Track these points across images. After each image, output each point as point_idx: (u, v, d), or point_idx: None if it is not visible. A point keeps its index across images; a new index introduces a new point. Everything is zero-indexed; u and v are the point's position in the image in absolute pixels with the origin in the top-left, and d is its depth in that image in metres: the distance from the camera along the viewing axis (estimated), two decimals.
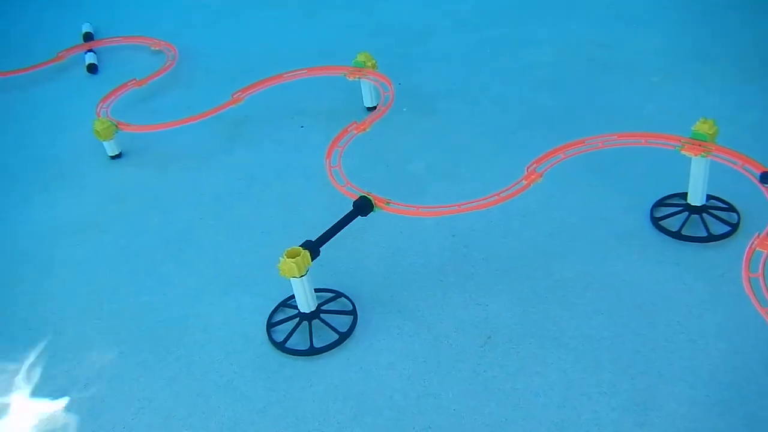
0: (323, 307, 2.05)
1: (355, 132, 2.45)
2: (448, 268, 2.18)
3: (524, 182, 2.11)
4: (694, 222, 2.17)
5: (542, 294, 2.05)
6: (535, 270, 2.14)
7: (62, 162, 2.88)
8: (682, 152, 2.08)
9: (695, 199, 2.19)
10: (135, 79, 3.09)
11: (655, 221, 2.22)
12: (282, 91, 2.92)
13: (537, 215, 2.33)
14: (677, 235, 2.15)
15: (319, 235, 2.02)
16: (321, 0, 3.95)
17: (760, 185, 1.99)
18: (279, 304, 2.11)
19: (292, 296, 2.09)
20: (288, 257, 1.91)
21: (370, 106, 2.88)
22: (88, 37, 3.65)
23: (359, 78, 2.79)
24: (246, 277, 2.22)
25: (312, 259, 1.95)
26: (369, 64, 2.79)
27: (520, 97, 2.93)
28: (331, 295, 2.11)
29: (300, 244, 1.95)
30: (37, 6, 4.22)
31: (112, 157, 2.82)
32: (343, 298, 2.10)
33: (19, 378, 1.99)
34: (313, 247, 1.96)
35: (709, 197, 2.20)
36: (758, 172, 2.00)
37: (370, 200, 2.09)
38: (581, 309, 1.99)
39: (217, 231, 2.43)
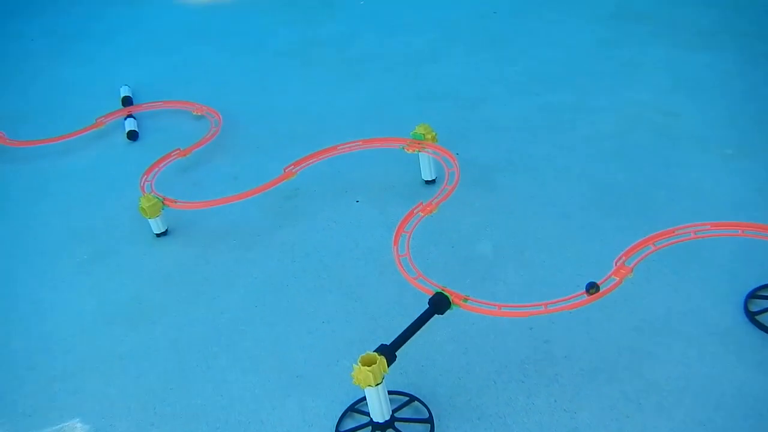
0: (397, 414, 1.88)
1: (421, 214, 2.29)
2: (529, 368, 2.01)
3: (615, 278, 1.94)
4: None
5: (634, 399, 1.88)
6: (623, 370, 1.97)
7: (103, 239, 2.73)
8: None
9: None
10: (179, 149, 2.96)
11: (751, 315, 2.05)
12: (333, 162, 2.77)
13: (620, 306, 2.16)
14: None
15: (394, 337, 1.85)
16: (364, 61, 3.81)
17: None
18: (347, 408, 1.93)
19: (361, 399, 1.93)
20: (363, 365, 1.74)
21: (429, 179, 2.73)
22: (126, 101, 3.54)
23: (418, 151, 2.64)
24: (309, 376, 2.05)
25: (388, 365, 1.78)
26: (429, 136, 2.65)
27: (584, 170, 2.78)
28: (404, 399, 1.94)
29: (375, 348, 1.79)
30: (71, 67, 4.10)
31: (158, 235, 2.67)
32: (416, 402, 1.93)
33: None
34: (390, 353, 1.80)
35: None
36: None
37: (447, 297, 1.93)
38: (680, 419, 1.81)
39: (273, 320, 2.26)
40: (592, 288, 1.91)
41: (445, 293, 1.94)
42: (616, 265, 1.99)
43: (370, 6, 4.43)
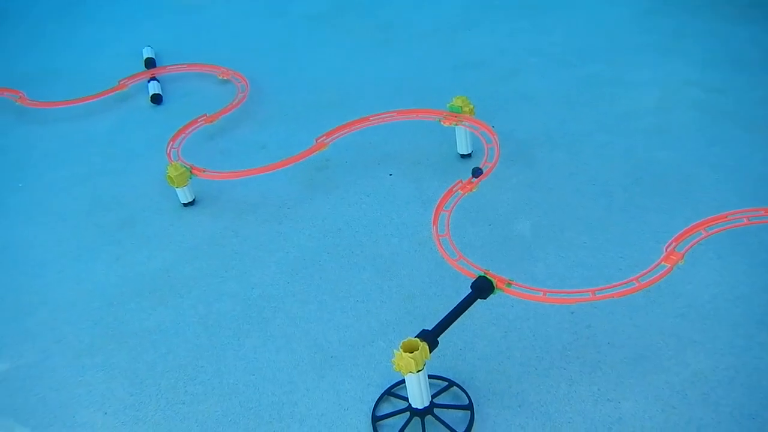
0: (436, 400, 1.82)
1: (461, 192, 2.21)
2: (571, 354, 1.94)
3: (666, 265, 1.86)
4: None
5: (680, 390, 1.82)
6: (668, 359, 1.91)
7: (128, 207, 2.66)
8: None
9: None
10: (205, 115, 2.88)
11: None
12: (365, 132, 2.68)
13: (663, 291, 2.08)
14: None
15: (430, 319, 1.82)
16: (396, 27, 3.69)
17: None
18: (384, 392, 1.88)
19: (399, 383, 1.88)
20: (405, 351, 1.68)
21: (465, 153, 2.65)
22: (150, 63, 3.44)
23: (455, 124, 2.55)
24: (343, 357, 1.99)
25: (430, 351, 1.72)
26: (466, 109, 2.56)
27: (625, 147, 2.68)
28: (443, 384, 1.88)
29: (413, 332, 1.74)
30: (93, 28, 4.00)
31: (185, 205, 2.60)
32: (455, 387, 1.87)
33: None
34: (432, 339, 1.73)
35: None
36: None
37: (491, 281, 1.86)
38: (728, 412, 1.75)
39: (306, 298, 2.20)
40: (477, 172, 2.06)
41: (488, 277, 1.87)
42: (666, 251, 1.91)
43: None
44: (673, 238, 1.93)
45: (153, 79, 3.32)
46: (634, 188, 2.48)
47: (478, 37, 3.52)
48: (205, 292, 2.26)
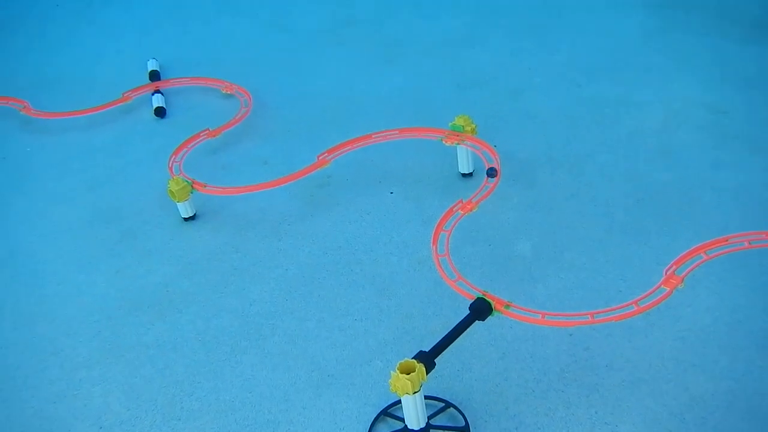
0: (432, 421, 1.81)
1: (461, 212, 2.21)
2: (569, 376, 1.93)
3: (665, 288, 1.86)
4: None
5: (678, 414, 1.81)
6: (667, 382, 1.89)
7: (129, 220, 2.66)
8: None
9: None
10: (208, 129, 2.88)
11: None
12: (366, 150, 2.68)
13: (663, 313, 2.07)
14: None
15: (428, 339, 1.82)
16: (399, 43, 3.70)
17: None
18: (380, 412, 1.87)
19: (395, 403, 1.87)
20: (401, 372, 1.67)
21: (466, 172, 2.64)
22: (154, 75, 3.45)
23: (457, 144, 2.55)
24: (340, 376, 1.98)
25: (427, 373, 1.71)
26: (468, 128, 2.56)
27: (629, 169, 2.67)
28: (440, 405, 1.87)
29: (411, 353, 1.73)
30: (96, 35, 4.01)
31: (186, 219, 2.60)
32: (452, 409, 1.86)
33: None
34: (429, 360, 1.73)
35: None
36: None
37: (489, 303, 1.85)
38: None
39: (304, 315, 2.19)
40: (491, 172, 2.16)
41: (486, 299, 1.86)
42: (665, 274, 1.90)
43: None
44: (673, 261, 1.92)
45: (157, 92, 3.33)
46: (635, 209, 2.47)
47: (482, 55, 3.52)
48: (204, 308, 2.26)
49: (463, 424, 1.82)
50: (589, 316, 1.84)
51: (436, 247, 2.09)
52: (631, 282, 2.18)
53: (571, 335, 2.04)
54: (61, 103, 3.32)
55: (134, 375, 2.06)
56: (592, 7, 3.85)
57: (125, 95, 3.29)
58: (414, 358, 1.71)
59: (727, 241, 1.98)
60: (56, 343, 2.19)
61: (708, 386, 1.87)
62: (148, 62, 3.55)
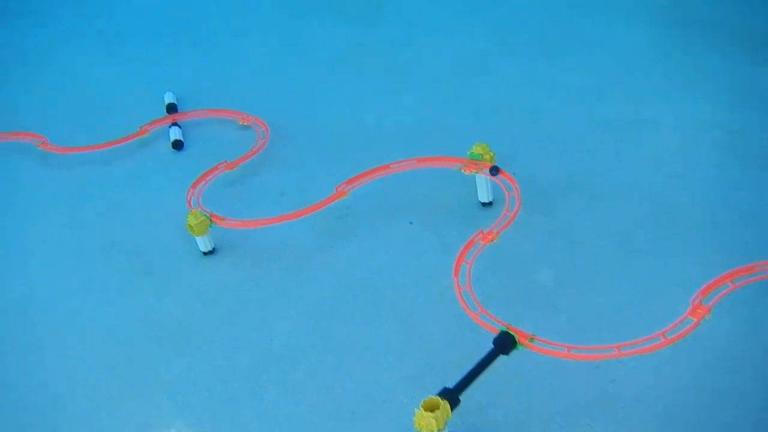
0: None
1: (482, 243, 2.19)
2: (595, 410, 1.90)
3: (692, 319, 1.83)
4: None
5: None
6: (695, 414, 1.86)
7: (148, 254, 2.66)
8: None
9: None
10: (225, 162, 2.88)
11: None
12: (384, 179, 2.66)
13: (690, 343, 2.01)
14: None
15: (452, 374, 1.79)
16: (414, 70, 3.69)
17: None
18: None
19: None
20: (426, 410, 1.65)
21: (486, 201, 2.63)
22: (171, 108, 3.46)
23: (476, 172, 2.53)
24: (363, 413, 1.96)
25: (452, 410, 1.69)
26: (487, 157, 2.54)
27: (648, 192, 2.65)
28: None
29: (435, 389, 1.71)
30: (115, 72, 4.02)
31: (205, 253, 2.60)
32: None
33: None
34: (454, 397, 1.70)
35: None
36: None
37: (513, 337, 1.83)
38: None
39: (325, 350, 2.17)
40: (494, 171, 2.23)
41: (510, 332, 1.84)
42: (692, 304, 1.87)
43: (418, 10, 4.31)
44: (699, 291, 1.89)
45: (174, 124, 3.34)
46: (657, 234, 2.45)
47: (497, 80, 3.50)
48: (224, 343, 2.25)
49: None
50: (615, 349, 1.81)
51: (458, 279, 2.08)
52: (655, 311, 2.14)
53: (597, 367, 2.01)
54: (79, 138, 3.32)
55: (153, 413, 2.05)
56: (606, 29, 3.83)
57: (143, 128, 3.30)
58: (438, 394, 1.69)
59: (754, 269, 1.95)
60: (73, 379, 2.19)
61: (737, 416, 1.84)
62: (165, 95, 3.57)
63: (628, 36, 3.74)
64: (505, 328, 1.86)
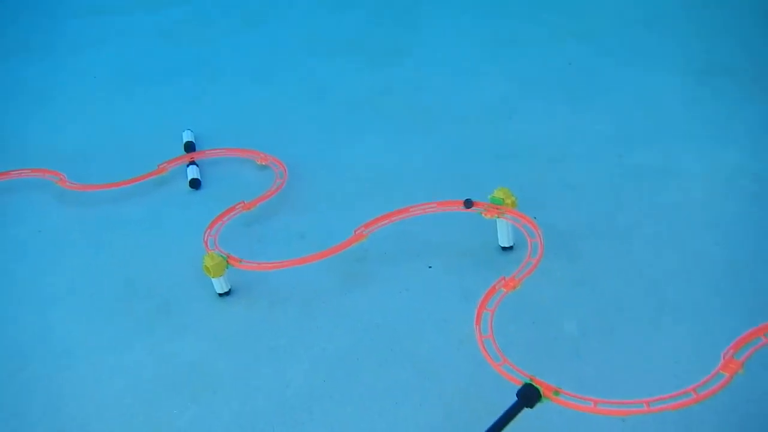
0: None
1: (504, 290, 2.13)
2: None
3: (724, 374, 1.76)
4: None
5: None
6: None
7: (163, 295, 2.61)
8: None
9: None
10: (243, 202, 2.85)
11: None
12: (404, 222, 2.62)
13: (721, 398, 1.93)
14: None
15: (472, 427, 1.71)
16: (434, 112, 3.66)
17: None
18: None
19: None
20: None
21: (506, 246, 2.57)
22: (189, 146, 3.45)
23: (497, 217, 2.49)
24: None
25: None
26: (508, 201, 2.49)
27: (674, 240, 2.59)
28: None
29: None
30: (133, 110, 4.02)
31: (221, 294, 2.55)
32: None
33: None
34: None
35: None
36: None
37: (537, 390, 1.77)
38: None
39: (342, 399, 2.11)
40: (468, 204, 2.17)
41: (535, 385, 1.78)
42: (724, 358, 1.80)
43: (439, 53, 4.30)
44: (731, 345, 1.82)
45: (192, 163, 3.32)
46: (686, 285, 2.38)
47: (519, 124, 3.47)
48: (239, 389, 2.19)
49: None
50: (644, 404, 1.74)
51: (479, 327, 2.02)
52: (685, 364, 2.08)
53: (624, 421, 1.94)
54: (96, 175, 3.31)
55: None
56: (630, 74, 3.80)
57: (161, 166, 3.28)
58: None
59: None
60: (88, 428, 2.13)
61: None
62: (184, 133, 3.56)
63: (653, 82, 3.70)
64: (529, 380, 1.80)
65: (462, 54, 4.27)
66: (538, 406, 1.81)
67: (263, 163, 3.27)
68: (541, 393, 1.77)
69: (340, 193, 3.08)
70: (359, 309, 2.44)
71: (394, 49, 4.40)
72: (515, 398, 1.81)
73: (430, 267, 2.58)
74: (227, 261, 2.50)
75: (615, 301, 2.34)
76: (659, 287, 2.38)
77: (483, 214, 2.50)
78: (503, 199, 2.50)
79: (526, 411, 1.81)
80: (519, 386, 1.83)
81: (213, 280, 2.52)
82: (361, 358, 2.24)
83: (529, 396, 1.76)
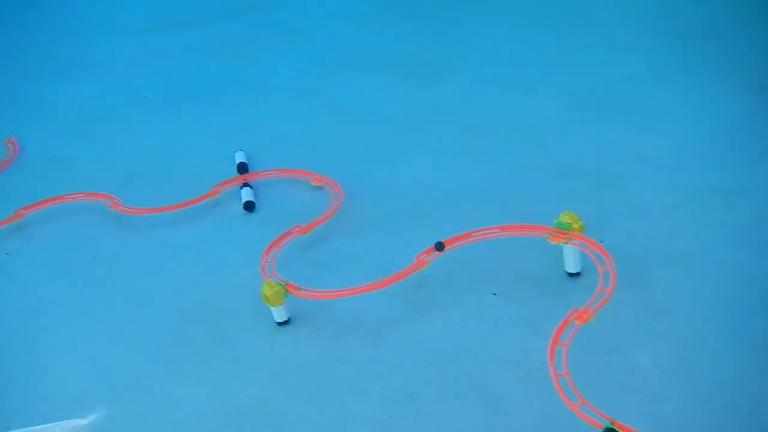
0: None
1: (577, 323, 2.05)
2: None
3: None
4: None
5: None
6: None
7: (220, 324, 2.56)
8: None
9: None
10: (299, 226, 2.81)
11: None
12: (465, 247, 2.55)
13: None
14: None
15: None
16: (487, 130, 3.58)
17: None
18: None
19: None
20: None
21: (574, 272, 2.49)
22: (242, 168, 3.41)
23: (564, 243, 2.40)
24: None
25: None
26: (576, 226, 2.41)
27: (751, 267, 2.48)
28: None
29: None
30: (185, 132, 3.99)
31: (279, 324, 2.50)
32: None
33: None
34: None
35: None
36: None
37: None
38: None
39: None
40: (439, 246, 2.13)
41: (616, 429, 1.69)
42: None
43: (488, 67, 4.22)
44: None
45: (246, 185, 3.28)
46: (764, 316, 2.27)
47: (576, 141, 3.36)
48: (301, 426, 2.13)
49: None
50: None
51: (554, 364, 1.94)
52: None
53: None
54: (149, 199, 3.28)
55: None
56: (689, 91, 3.68)
57: (214, 189, 3.25)
58: None
59: None
60: None
61: None
62: (236, 154, 3.52)
63: (711, 101, 3.57)
64: (610, 424, 1.71)
65: (512, 69, 4.18)
66: None
67: (317, 184, 3.22)
68: None
69: (395, 215, 3.01)
70: (423, 338, 2.37)
71: (441, 65, 4.33)
72: None
73: (494, 294, 2.51)
74: (286, 289, 2.45)
75: (690, 333, 2.25)
76: (735, 317, 2.28)
77: (549, 240, 2.42)
78: (570, 224, 2.42)
79: None
80: (598, 429, 1.74)
81: (272, 308, 2.47)
82: (427, 391, 2.18)
83: None
